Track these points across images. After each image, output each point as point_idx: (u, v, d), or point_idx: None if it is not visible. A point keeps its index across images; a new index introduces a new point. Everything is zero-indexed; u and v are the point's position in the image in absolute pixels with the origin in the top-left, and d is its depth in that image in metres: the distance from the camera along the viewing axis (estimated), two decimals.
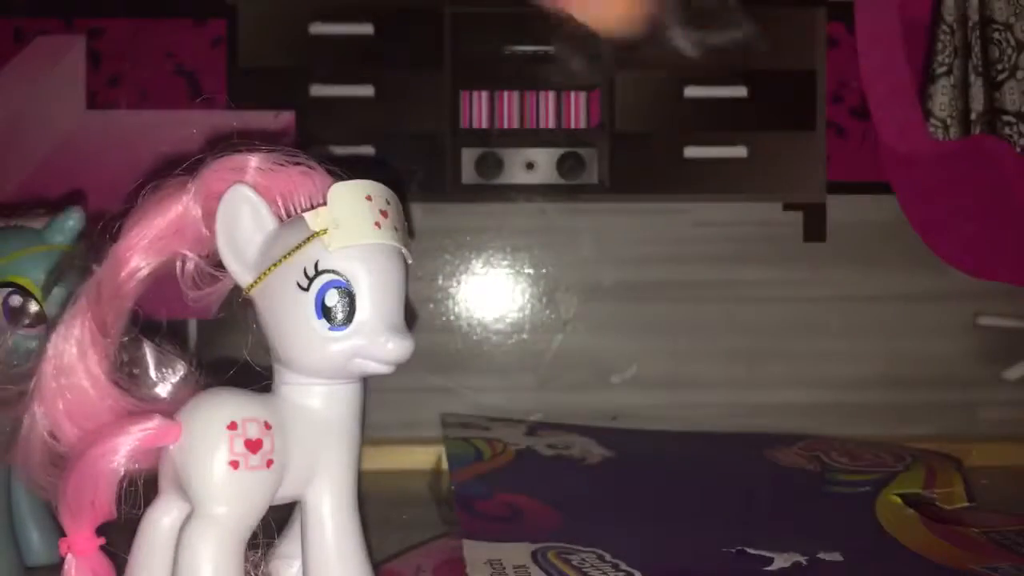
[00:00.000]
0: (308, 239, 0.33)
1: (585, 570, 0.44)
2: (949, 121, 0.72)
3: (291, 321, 0.33)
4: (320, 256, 0.33)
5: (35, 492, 0.34)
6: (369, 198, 0.33)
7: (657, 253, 0.73)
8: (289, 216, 0.34)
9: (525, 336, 0.72)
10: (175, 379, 0.34)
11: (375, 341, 0.33)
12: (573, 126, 0.72)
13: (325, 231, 0.33)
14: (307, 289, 0.33)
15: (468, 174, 0.72)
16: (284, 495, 0.34)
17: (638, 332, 0.73)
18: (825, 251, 0.73)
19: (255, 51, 0.71)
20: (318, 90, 0.71)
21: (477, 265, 0.73)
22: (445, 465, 0.61)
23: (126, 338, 0.34)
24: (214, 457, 0.32)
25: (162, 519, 0.34)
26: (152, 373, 0.34)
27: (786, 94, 0.73)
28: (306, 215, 0.33)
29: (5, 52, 0.69)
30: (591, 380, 0.72)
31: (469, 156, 0.72)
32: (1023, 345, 0.74)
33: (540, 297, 0.73)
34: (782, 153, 0.73)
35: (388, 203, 0.34)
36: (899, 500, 0.55)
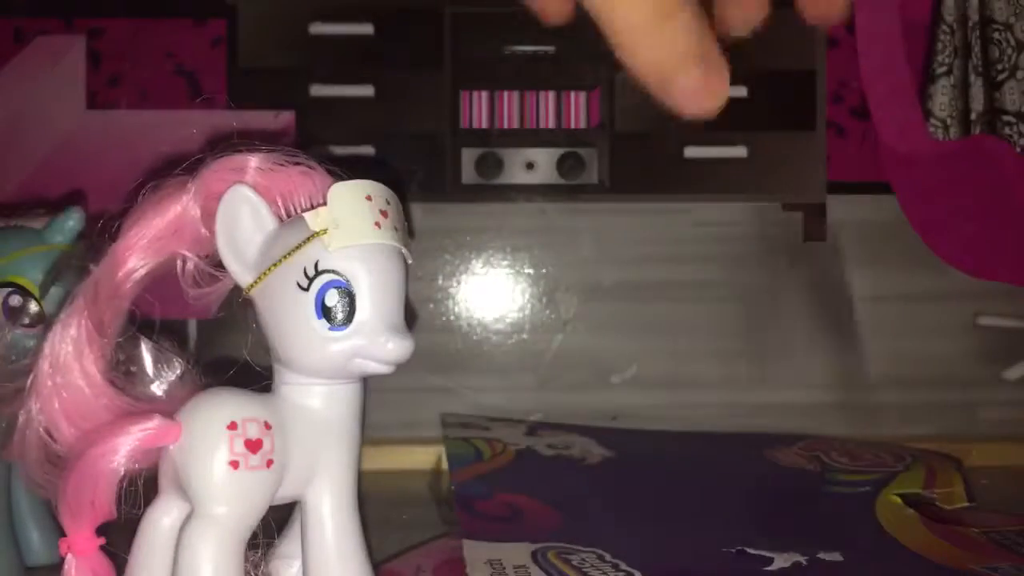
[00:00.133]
0: (308, 239, 0.33)
1: (585, 570, 0.44)
2: (949, 121, 0.72)
3: (291, 321, 0.33)
4: (320, 256, 0.33)
5: (33, 490, 0.34)
6: (369, 198, 0.33)
7: (657, 253, 0.73)
8: (289, 216, 0.34)
9: (525, 336, 0.72)
10: (172, 378, 0.34)
11: (375, 341, 0.33)
12: (573, 126, 0.72)
13: (325, 231, 0.33)
14: (307, 289, 0.33)
15: (468, 174, 0.72)
16: (284, 495, 0.34)
17: (638, 332, 0.73)
18: (825, 251, 0.73)
19: (255, 51, 0.71)
20: (318, 90, 0.71)
21: (477, 265, 0.73)
22: (445, 465, 0.61)
23: (123, 337, 0.34)
24: (214, 457, 0.32)
25: (162, 519, 0.34)
26: (149, 372, 0.34)
27: (786, 94, 0.73)
28: (306, 215, 0.33)
29: (5, 52, 0.69)
30: (591, 380, 0.72)
31: (469, 156, 0.72)
32: (1023, 345, 0.74)
33: (540, 297, 0.73)
34: (782, 153, 0.73)
35: (388, 203, 0.34)
36: (899, 500, 0.55)
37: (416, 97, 0.72)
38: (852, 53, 0.73)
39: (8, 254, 0.43)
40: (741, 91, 0.72)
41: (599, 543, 0.48)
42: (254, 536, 0.33)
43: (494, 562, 0.45)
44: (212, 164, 0.34)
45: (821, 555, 0.47)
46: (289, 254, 0.33)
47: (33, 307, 0.42)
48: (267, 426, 0.33)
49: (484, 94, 0.72)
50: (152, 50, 0.70)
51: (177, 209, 0.34)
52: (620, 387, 0.72)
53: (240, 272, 0.34)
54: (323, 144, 0.70)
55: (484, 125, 0.72)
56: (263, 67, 0.71)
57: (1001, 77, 0.72)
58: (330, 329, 0.33)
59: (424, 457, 0.67)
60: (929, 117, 0.72)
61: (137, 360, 0.34)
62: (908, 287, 0.73)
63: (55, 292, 0.42)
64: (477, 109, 0.72)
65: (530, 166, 0.72)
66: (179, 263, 0.34)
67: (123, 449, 0.32)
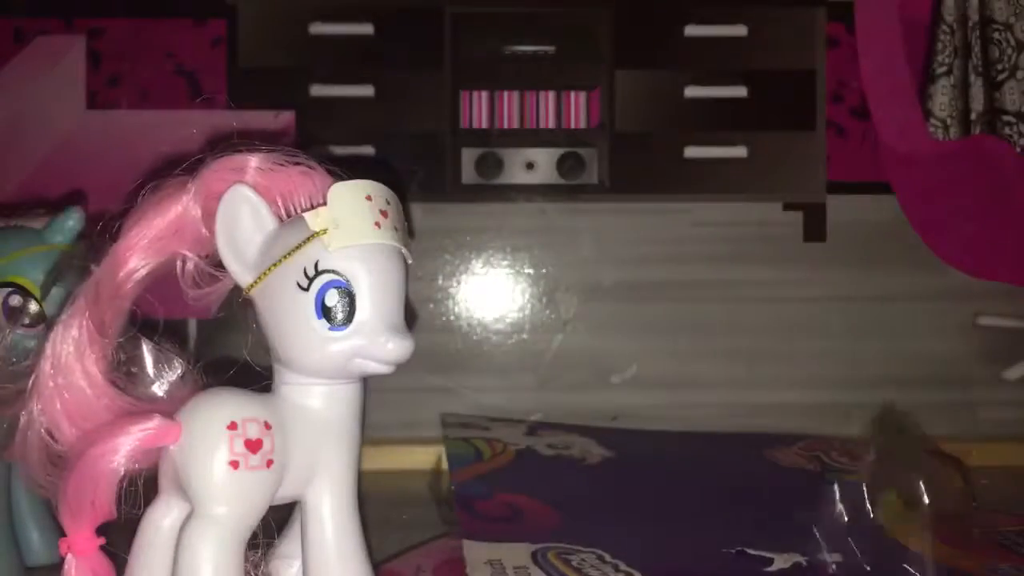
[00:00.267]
0: (308, 239, 0.33)
1: (585, 570, 0.44)
2: (949, 121, 0.72)
3: (291, 321, 0.33)
4: (320, 256, 0.33)
5: (34, 491, 0.34)
6: (369, 198, 0.33)
7: (657, 253, 0.73)
8: (289, 216, 0.34)
9: (525, 336, 0.72)
10: (173, 378, 0.34)
11: (375, 341, 0.33)
12: (573, 126, 0.72)
13: (325, 231, 0.33)
14: (307, 289, 0.33)
15: (468, 174, 0.72)
16: (284, 495, 0.34)
17: (638, 332, 0.73)
18: (825, 251, 0.73)
19: (255, 51, 0.71)
20: (318, 90, 0.71)
21: (477, 265, 0.73)
22: (445, 465, 0.61)
23: (124, 338, 0.34)
24: (214, 457, 0.32)
25: (162, 519, 0.34)
26: (150, 372, 0.34)
27: (786, 94, 0.73)
28: (306, 215, 0.33)
29: (5, 52, 0.69)
30: (591, 380, 0.72)
31: (469, 156, 0.72)
32: (1023, 345, 0.74)
33: (540, 297, 0.73)
34: (782, 153, 0.73)
35: (388, 203, 0.34)
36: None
37: (416, 97, 0.72)
38: (852, 53, 0.73)
39: (8, 254, 0.43)
40: (741, 91, 0.72)
41: (599, 543, 0.48)
42: (254, 536, 0.33)
43: (494, 562, 0.45)
44: (212, 164, 0.34)
45: (821, 555, 0.47)
46: (289, 254, 0.33)
47: (33, 307, 0.42)
48: (267, 426, 0.33)
49: (484, 94, 0.72)
50: (152, 50, 0.70)
51: (178, 209, 0.34)
52: (620, 387, 0.72)
53: (240, 272, 0.34)
54: (323, 144, 0.70)
55: (484, 125, 0.72)
56: (263, 67, 0.71)
57: (1001, 77, 0.72)
58: (330, 329, 0.33)
59: (424, 457, 0.67)
60: (929, 117, 0.72)
61: (138, 360, 0.34)
62: (908, 287, 0.73)
63: (56, 292, 0.42)
64: (477, 109, 0.72)
65: (530, 166, 0.72)
66: (179, 263, 0.34)
67: (123, 449, 0.32)
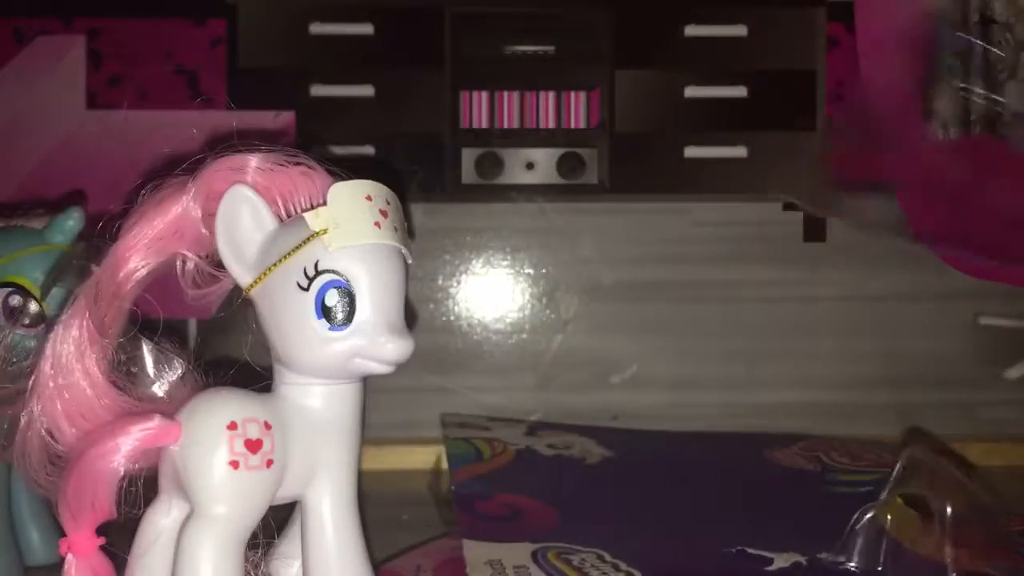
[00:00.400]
0: (308, 239, 0.33)
1: (585, 570, 0.44)
2: (949, 121, 0.72)
3: (291, 321, 0.33)
4: (320, 256, 0.33)
5: (34, 491, 0.34)
6: (369, 198, 0.33)
7: (657, 253, 0.73)
8: (289, 216, 0.34)
9: (525, 336, 0.72)
10: (173, 378, 0.34)
11: (375, 341, 0.33)
12: (573, 126, 0.72)
13: (325, 231, 0.33)
14: (307, 289, 0.33)
15: (468, 174, 0.72)
16: (284, 495, 0.34)
17: (638, 332, 0.73)
18: (825, 251, 0.73)
19: (255, 51, 0.71)
20: (318, 90, 0.71)
21: (477, 265, 0.73)
22: (445, 465, 0.61)
23: (124, 338, 0.34)
24: (214, 457, 0.32)
25: (162, 519, 0.34)
26: (150, 372, 0.34)
27: (786, 94, 0.73)
28: (306, 215, 0.33)
29: (5, 52, 0.69)
30: (591, 380, 0.72)
31: (469, 156, 0.72)
32: (1023, 345, 0.74)
33: (540, 297, 0.73)
34: (782, 153, 0.73)
35: (388, 203, 0.34)
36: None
37: (416, 97, 0.72)
38: (852, 53, 0.73)
39: (8, 254, 0.43)
40: (741, 91, 0.72)
41: (599, 543, 0.48)
42: (254, 536, 0.33)
43: (494, 562, 0.45)
44: (212, 164, 0.34)
45: (821, 555, 0.47)
46: (289, 254, 0.33)
47: (33, 307, 0.42)
48: (267, 426, 0.33)
49: (484, 94, 0.72)
50: (152, 50, 0.70)
51: (178, 209, 0.34)
52: (620, 387, 0.72)
53: (240, 272, 0.34)
54: (323, 144, 0.70)
55: (484, 125, 0.72)
56: (263, 67, 0.71)
57: (1001, 77, 0.72)
58: (330, 329, 0.33)
59: (424, 457, 0.67)
60: (929, 117, 0.72)
61: (138, 360, 0.34)
62: (908, 287, 0.73)
63: (56, 292, 0.42)
64: (477, 109, 0.72)
65: (530, 166, 0.72)
66: (179, 263, 0.34)
67: (123, 449, 0.32)
